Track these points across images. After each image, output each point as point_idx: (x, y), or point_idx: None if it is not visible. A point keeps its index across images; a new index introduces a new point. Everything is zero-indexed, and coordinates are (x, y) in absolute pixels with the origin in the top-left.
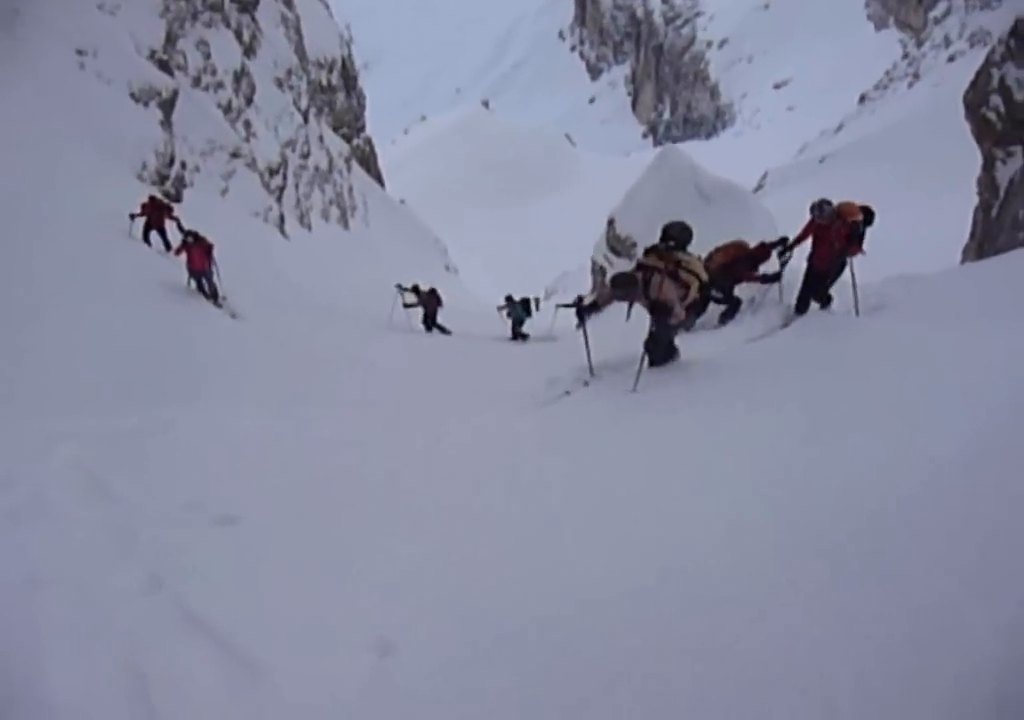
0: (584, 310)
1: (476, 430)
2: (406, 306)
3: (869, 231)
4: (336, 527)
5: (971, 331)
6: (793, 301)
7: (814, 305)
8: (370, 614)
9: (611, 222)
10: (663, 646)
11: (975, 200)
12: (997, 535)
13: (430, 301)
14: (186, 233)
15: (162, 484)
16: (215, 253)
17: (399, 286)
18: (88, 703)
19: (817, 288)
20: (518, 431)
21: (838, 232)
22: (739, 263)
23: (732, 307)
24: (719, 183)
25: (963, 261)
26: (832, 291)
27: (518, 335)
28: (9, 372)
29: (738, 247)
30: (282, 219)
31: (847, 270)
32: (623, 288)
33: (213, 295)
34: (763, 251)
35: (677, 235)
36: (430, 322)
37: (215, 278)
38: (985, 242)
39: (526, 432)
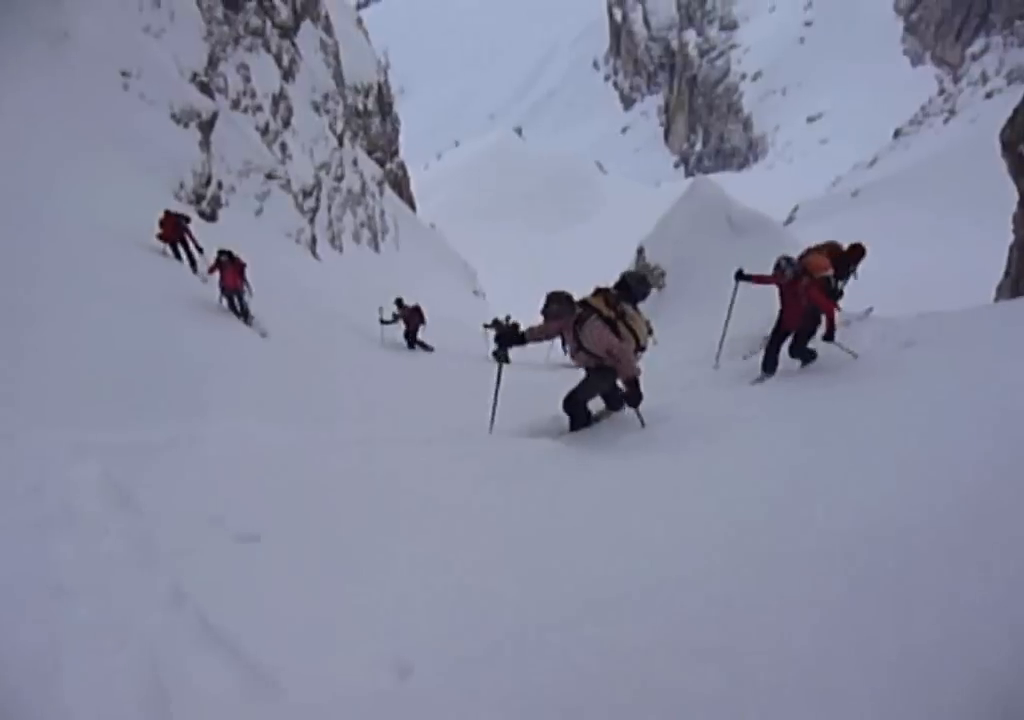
0: (505, 340)
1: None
2: (383, 322)
3: (880, 267)
4: (352, 542)
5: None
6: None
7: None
8: (385, 629)
9: (640, 251)
10: (665, 648)
11: (1011, 237)
12: (1009, 538)
13: (411, 317)
14: (220, 252)
15: (187, 498)
16: (248, 273)
17: (396, 316)
18: (107, 713)
19: (780, 345)
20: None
21: (806, 289)
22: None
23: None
24: (750, 215)
25: (997, 298)
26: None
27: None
28: (57, 381)
29: (827, 249)
30: (314, 240)
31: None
32: (558, 305)
33: (244, 314)
34: (856, 252)
35: (632, 286)
36: (411, 338)
37: (247, 297)
38: (1021, 279)
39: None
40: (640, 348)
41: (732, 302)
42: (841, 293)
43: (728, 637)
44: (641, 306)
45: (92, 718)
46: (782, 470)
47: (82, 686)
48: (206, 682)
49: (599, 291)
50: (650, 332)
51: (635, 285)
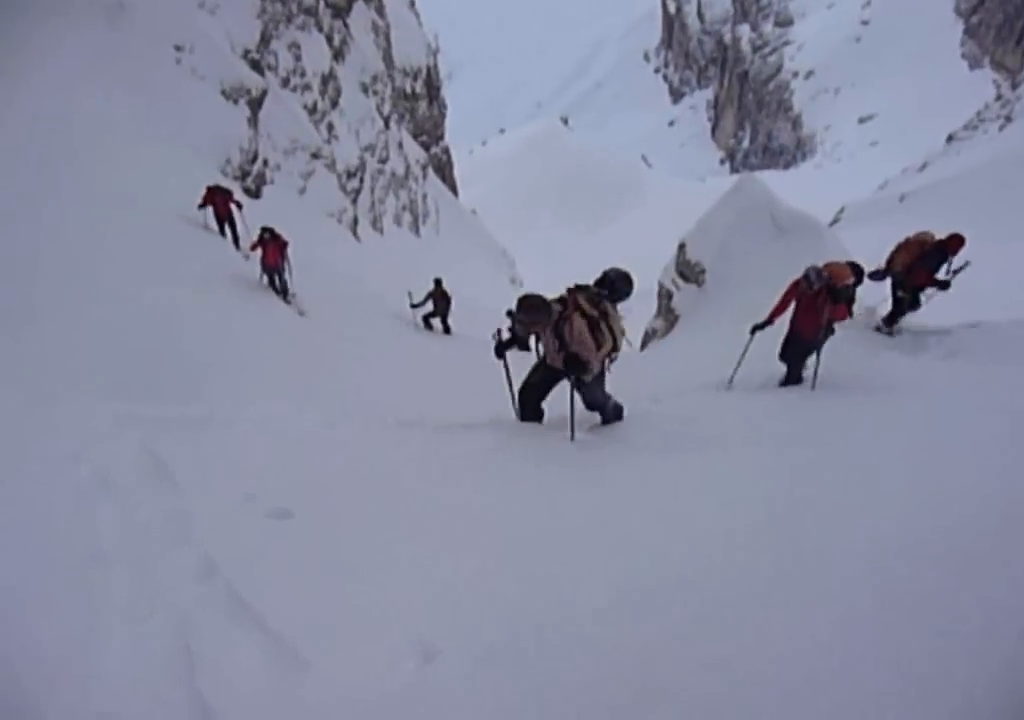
0: (503, 347)
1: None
2: (413, 306)
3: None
4: (383, 526)
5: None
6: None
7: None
8: (411, 615)
9: (682, 247)
10: (665, 649)
11: None
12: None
13: (439, 301)
14: (263, 229)
15: (222, 474)
16: (289, 252)
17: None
18: (136, 680)
19: (799, 356)
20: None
21: (824, 303)
22: (926, 259)
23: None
24: (795, 215)
25: None
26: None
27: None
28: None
29: (921, 242)
30: (356, 221)
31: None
32: (530, 314)
33: (283, 292)
34: (955, 243)
35: (615, 284)
36: (428, 318)
37: (287, 275)
38: None
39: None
40: (615, 350)
41: (745, 351)
42: (917, 300)
43: (728, 638)
44: (679, 301)
45: (122, 683)
46: (782, 470)
47: (114, 651)
48: (233, 654)
49: (580, 288)
50: (623, 333)
51: (618, 284)
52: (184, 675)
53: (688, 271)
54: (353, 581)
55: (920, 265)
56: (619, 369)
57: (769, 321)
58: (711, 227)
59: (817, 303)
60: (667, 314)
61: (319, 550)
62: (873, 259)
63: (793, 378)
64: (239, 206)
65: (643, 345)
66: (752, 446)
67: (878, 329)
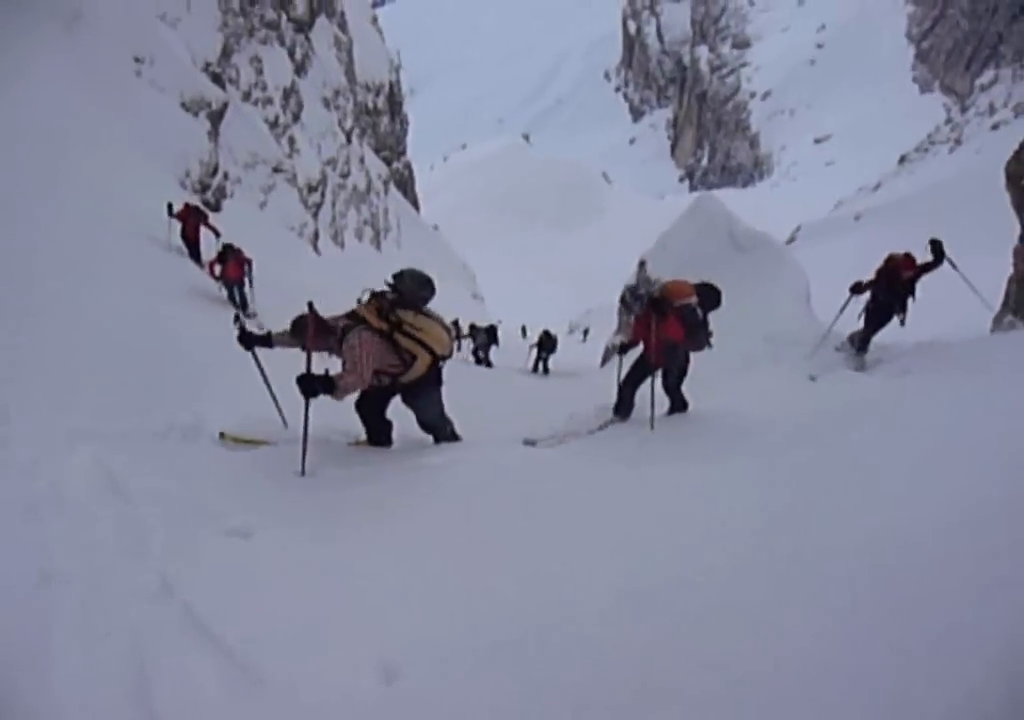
0: (245, 340)
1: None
2: None
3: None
4: (345, 543)
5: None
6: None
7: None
8: (377, 630)
9: (642, 264)
10: (665, 649)
11: (1010, 270)
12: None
13: None
14: (224, 247)
15: (179, 490)
16: (250, 268)
17: None
18: (91, 703)
19: (638, 384)
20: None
21: (660, 322)
22: (881, 274)
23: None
24: (753, 234)
25: (993, 330)
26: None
27: (481, 361)
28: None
29: (896, 256)
30: (316, 235)
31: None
32: (302, 336)
33: (243, 305)
34: (913, 267)
35: (403, 287)
36: None
37: (246, 289)
38: (1019, 312)
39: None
40: (441, 357)
41: (619, 371)
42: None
43: (729, 640)
44: None
45: (78, 706)
46: (781, 470)
47: (69, 674)
48: (190, 675)
49: (373, 297)
50: (457, 336)
51: (411, 288)
52: (139, 696)
53: (649, 288)
54: (321, 598)
55: (882, 277)
56: (580, 385)
57: (632, 343)
58: (671, 245)
59: (649, 322)
60: (627, 330)
61: (280, 566)
62: (829, 277)
63: (624, 407)
64: (216, 234)
65: (604, 361)
66: (751, 447)
67: (841, 347)
